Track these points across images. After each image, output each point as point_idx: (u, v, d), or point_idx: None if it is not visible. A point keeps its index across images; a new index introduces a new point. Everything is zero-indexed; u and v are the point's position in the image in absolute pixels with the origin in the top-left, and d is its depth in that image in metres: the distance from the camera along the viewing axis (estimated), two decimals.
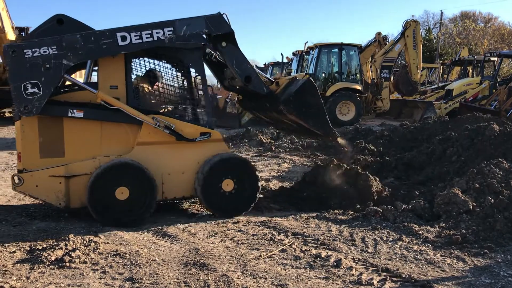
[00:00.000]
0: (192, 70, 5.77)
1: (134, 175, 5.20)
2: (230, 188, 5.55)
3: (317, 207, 5.97)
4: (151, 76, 5.76)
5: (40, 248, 4.29)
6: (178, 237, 4.78)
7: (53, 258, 4.05)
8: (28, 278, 3.74)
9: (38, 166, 5.16)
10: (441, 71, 28.15)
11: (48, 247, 4.27)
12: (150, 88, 5.80)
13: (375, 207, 5.59)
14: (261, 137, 12.44)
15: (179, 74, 5.85)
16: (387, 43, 19.51)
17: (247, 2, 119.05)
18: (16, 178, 5.13)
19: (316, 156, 10.36)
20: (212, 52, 6.19)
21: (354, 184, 6.30)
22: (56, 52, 4.93)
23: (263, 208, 5.97)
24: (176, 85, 5.85)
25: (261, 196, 6.61)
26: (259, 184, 5.78)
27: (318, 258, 4.21)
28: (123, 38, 5.12)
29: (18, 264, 4.01)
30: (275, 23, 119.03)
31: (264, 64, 30.80)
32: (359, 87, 17.55)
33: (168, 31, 5.24)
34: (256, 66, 30.53)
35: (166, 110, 5.72)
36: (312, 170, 6.96)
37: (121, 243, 4.55)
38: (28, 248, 4.33)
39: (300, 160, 10.07)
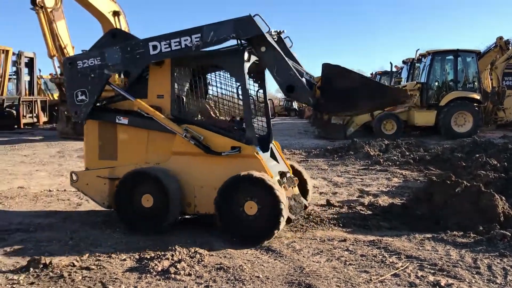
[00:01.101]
0: (233, 78, 5.53)
1: (153, 184, 5.14)
2: (251, 210, 4.85)
3: (432, 227, 5.46)
4: (195, 85, 5.66)
5: (148, 257, 4.36)
6: (282, 253, 4.61)
7: (159, 269, 4.08)
8: (135, 287, 3.80)
9: (96, 166, 5.63)
10: None
11: (156, 257, 4.32)
12: (194, 97, 5.69)
13: (502, 230, 4.97)
14: (368, 149, 11.93)
15: (221, 82, 5.62)
16: (510, 48, 17.88)
17: (356, 12, 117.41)
18: (73, 175, 5.70)
19: (429, 171, 9.65)
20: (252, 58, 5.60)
21: (476, 203, 5.67)
22: (100, 62, 5.34)
23: (372, 226, 5.60)
24: (216, 94, 5.67)
25: (370, 212, 6.26)
26: (282, 207, 4.75)
27: (437, 287, 3.78)
28: (154, 47, 5.19)
29: (127, 272, 4.09)
30: (383, 31, 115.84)
31: (371, 74, 29.89)
32: (477, 96, 16.25)
33: (196, 37, 5.06)
34: None
35: (203, 119, 5.58)
36: (426, 186, 6.44)
37: (225, 256, 4.48)
38: (137, 257, 4.42)
39: (412, 174, 9.45)
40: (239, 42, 5.14)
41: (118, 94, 5.59)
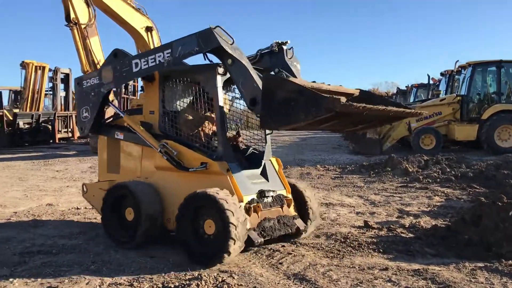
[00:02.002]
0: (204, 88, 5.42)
1: (130, 197, 5.23)
2: (210, 229, 4.66)
3: (483, 254, 4.95)
4: (193, 100, 5.69)
5: (172, 286, 4.04)
6: (317, 283, 4.21)
7: None
8: None
9: (105, 179, 5.98)
10: None
11: (180, 286, 4.01)
12: (175, 113, 5.62)
13: None
14: (407, 165, 11.36)
15: (197, 97, 5.55)
16: None
17: (391, 22, 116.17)
18: (84, 187, 6.18)
19: (473, 189, 9.05)
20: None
21: None
22: (98, 82, 5.72)
23: (415, 252, 5.14)
24: (192, 109, 5.66)
25: (411, 236, 5.80)
26: (231, 229, 4.41)
27: None
28: (136, 65, 5.37)
29: None
30: (419, 42, 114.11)
31: (407, 87, 29.10)
32: None
33: (167, 53, 5.15)
34: (398, 88, 29.05)
35: (187, 135, 5.46)
36: (474, 207, 5.93)
37: (255, 286, 4.12)
38: (160, 285, 4.12)
39: (454, 193, 8.86)
40: (204, 56, 5.14)
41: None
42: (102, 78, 5.68)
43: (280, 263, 4.77)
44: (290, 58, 5.58)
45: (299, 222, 5.36)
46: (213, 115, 5.52)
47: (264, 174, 5.44)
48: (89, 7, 15.13)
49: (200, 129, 5.66)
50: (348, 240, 5.58)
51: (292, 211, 5.43)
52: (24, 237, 5.85)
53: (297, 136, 26.02)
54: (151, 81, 5.59)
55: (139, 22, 17.80)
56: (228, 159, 5.08)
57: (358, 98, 5.32)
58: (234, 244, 4.46)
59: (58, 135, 22.40)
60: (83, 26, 14.95)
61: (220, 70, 5.22)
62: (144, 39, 18.15)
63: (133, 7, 17.57)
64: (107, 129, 6.01)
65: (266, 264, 4.78)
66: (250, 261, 4.84)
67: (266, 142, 5.64)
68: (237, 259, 4.85)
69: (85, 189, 6.17)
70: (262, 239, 4.83)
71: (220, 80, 5.25)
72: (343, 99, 4.37)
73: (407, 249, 5.25)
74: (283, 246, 5.37)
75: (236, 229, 4.44)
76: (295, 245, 5.42)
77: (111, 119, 6.13)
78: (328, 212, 7.36)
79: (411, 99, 22.93)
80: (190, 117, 5.62)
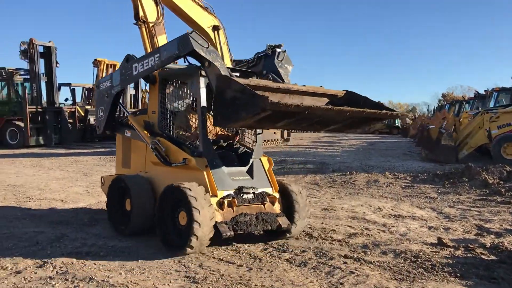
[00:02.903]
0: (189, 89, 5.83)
1: (126, 189, 5.74)
2: (183, 220, 4.94)
3: None
4: (192, 101, 5.93)
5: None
6: None
7: None
8: None
9: (120, 173, 6.41)
10: None
11: None
12: (172, 113, 5.93)
13: None
14: (486, 176, 10.33)
15: (184, 99, 6.01)
16: None
17: (470, 24, 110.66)
18: (102, 179, 6.73)
19: None
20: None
21: None
22: (110, 84, 6.28)
23: (499, 279, 4.42)
24: (180, 110, 6.02)
25: (494, 258, 5.06)
26: (193, 224, 4.71)
27: None
28: (135, 68, 5.82)
29: None
30: (500, 44, 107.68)
31: (486, 91, 27.13)
32: None
33: (156, 57, 5.52)
34: (476, 92, 27.20)
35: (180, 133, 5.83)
36: None
37: None
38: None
39: None
40: (184, 59, 5.47)
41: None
42: (113, 81, 6.22)
43: (341, 283, 4.26)
44: (280, 61, 5.88)
45: (282, 220, 5.47)
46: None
47: (250, 172, 5.66)
48: (157, 5, 15.18)
49: (192, 127, 5.91)
50: (419, 259, 4.95)
51: (276, 208, 5.56)
52: (77, 236, 5.74)
53: (364, 140, 25.12)
54: (153, 84, 5.95)
55: (206, 21, 17.75)
56: (209, 156, 5.33)
57: (343, 98, 5.70)
58: (197, 239, 4.77)
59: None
60: (151, 25, 15.02)
61: (203, 72, 5.40)
62: (211, 38, 18.09)
63: (201, 6, 17.55)
64: (120, 128, 6.52)
65: (325, 283, 4.28)
66: (307, 278, 4.37)
67: (256, 142, 5.96)
68: (293, 275, 4.40)
69: (102, 182, 6.76)
70: (232, 233, 5.03)
71: (203, 81, 5.48)
72: (275, 98, 4.59)
73: (489, 274, 4.55)
74: (345, 263, 4.85)
75: (200, 226, 4.73)
76: (358, 263, 4.87)
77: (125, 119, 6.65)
78: (396, 225, 6.71)
79: (491, 104, 21.28)
80: (183, 117, 5.94)
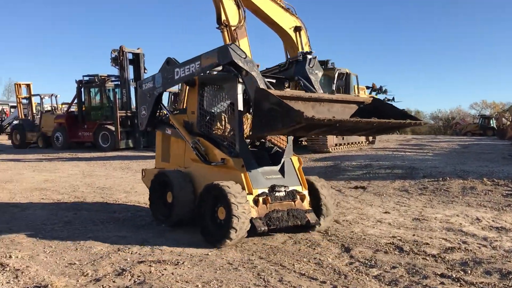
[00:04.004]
0: (227, 95, 6.18)
1: (169, 183, 6.26)
2: (222, 215, 5.43)
3: None
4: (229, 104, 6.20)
5: None
6: None
7: None
8: None
9: (160, 167, 6.93)
10: None
11: None
12: (210, 114, 6.35)
13: None
14: None
15: (221, 102, 6.30)
16: None
17: None
18: (143, 172, 7.15)
19: None
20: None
21: None
22: (152, 85, 6.76)
23: None
24: (217, 112, 6.35)
25: None
26: (233, 219, 5.19)
27: None
28: (177, 73, 6.28)
29: None
30: None
31: None
32: None
33: (197, 64, 5.97)
34: None
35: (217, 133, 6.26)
36: None
37: None
38: None
39: None
40: (223, 68, 5.87)
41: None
42: (155, 82, 6.69)
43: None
44: (311, 67, 6.17)
45: (311, 216, 5.90)
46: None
47: (282, 170, 6.06)
48: (239, 8, 15.18)
49: (227, 129, 6.30)
50: None
51: (306, 205, 5.99)
52: (156, 242, 5.69)
53: (456, 142, 23.54)
54: (193, 86, 6.37)
55: (288, 22, 17.53)
56: (245, 156, 5.77)
57: (370, 105, 6.06)
58: (235, 232, 5.23)
59: None
60: (233, 28, 15.05)
61: (241, 79, 5.79)
62: (293, 39, 17.82)
63: (282, 7, 17.36)
64: (161, 125, 7.03)
65: None
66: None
67: (287, 142, 6.34)
68: None
69: (143, 174, 7.22)
70: (266, 228, 5.48)
71: (240, 88, 5.88)
72: (308, 110, 5.19)
73: None
74: (443, 283, 4.32)
75: (238, 220, 5.20)
76: (458, 284, 4.32)
77: (165, 117, 7.29)
78: (500, 239, 5.97)
79: None
80: (220, 118, 6.33)
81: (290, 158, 6.22)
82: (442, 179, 10.58)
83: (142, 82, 7.11)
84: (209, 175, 5.92)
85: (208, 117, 6.33)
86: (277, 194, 5.76)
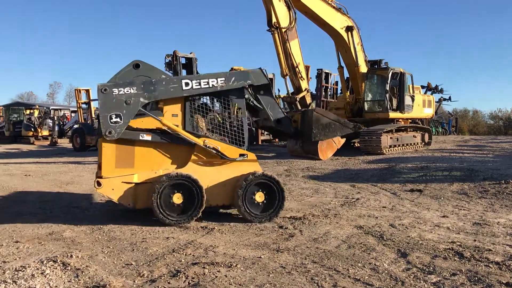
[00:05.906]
0: (236, 103, 6.97)
1: (184, 185, 6.60)
2: (260, 198, 6.81)
3: None
4: (203, 107, 6.96)
5: None
6: None
7: None
8: None
9: (113, 174, 6.58)
10: None
11: None
12: (201, 117, 6.94)
13: None
14: None
15: (225, 107, 7.00)
16: None
17: None
18: (96, 182, 6.57)
19: None
20: (251, 98, 7.25)
21: None
22: (136, 91, 6.39)
23: None
24: (221, 115, 7.08)
25: None
26: (285, 195, 6.89)
27: None
28: (186, 84, 6.62)
29: None
30: None
31: None
32: None
33: (221, 80, 6.71)
34: None
35: (212, 135, 6.95)
36: None
37: None
38: None
39: None
40: (248, 87, 7.09)
41: (143, 114, 6.63)
42: (143, 89, 6.43)
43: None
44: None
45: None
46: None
47: None
48: (289, 10, 15.13)
49: (228, 130, 7.09)
50: None
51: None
52: (207, 243, 5.72)
53: None
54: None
55: (339, 22, 17.32)
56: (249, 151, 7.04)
57: None
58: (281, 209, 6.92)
59: (261, 137, 23.36)
60: (283, 30, 15.02)
61: (246, 92, 7.09)
62: (344, 39, 17.59)
63: (334, 7, 17.17)
64: (130, 132, 6.55)
65: None
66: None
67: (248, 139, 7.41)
68: None
69: (97, 185, 6.67)
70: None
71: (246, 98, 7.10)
72: (362, 126, 8.16)
73: None
74: None
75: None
76: None
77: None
78: None
79: None
80: (215, 121, 7.11)
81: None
82: (505, 181, 10.05)
83: (111, 86, 6.34)
84: (220, 170, 6.83)
85: (195, 119, 6.91)
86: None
